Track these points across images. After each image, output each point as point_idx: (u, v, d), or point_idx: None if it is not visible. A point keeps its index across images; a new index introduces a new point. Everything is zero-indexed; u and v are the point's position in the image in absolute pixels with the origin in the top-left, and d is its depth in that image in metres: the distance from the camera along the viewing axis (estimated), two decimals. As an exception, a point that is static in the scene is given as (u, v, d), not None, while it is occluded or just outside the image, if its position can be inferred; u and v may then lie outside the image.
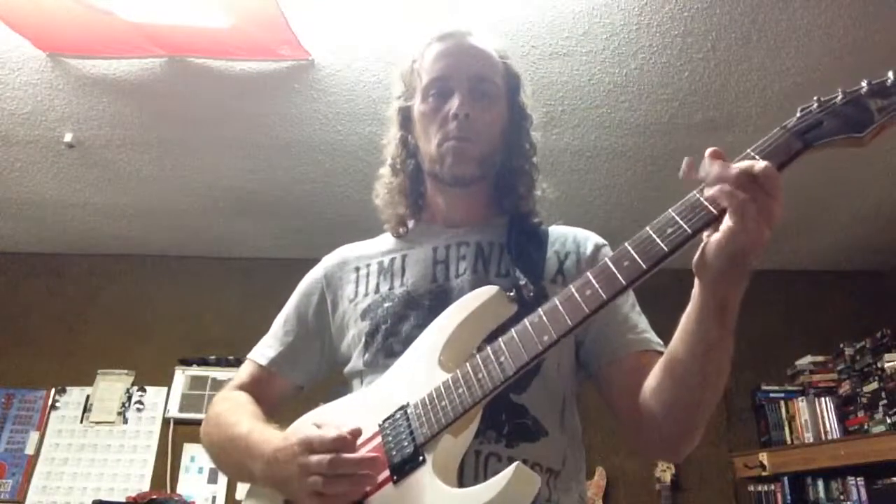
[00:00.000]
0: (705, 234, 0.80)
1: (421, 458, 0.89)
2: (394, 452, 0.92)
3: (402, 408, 0.95)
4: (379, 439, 0.94)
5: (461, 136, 1.11)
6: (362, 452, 0.92)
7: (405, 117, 1.22)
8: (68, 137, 3.02)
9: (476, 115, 1.12)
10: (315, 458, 0.88)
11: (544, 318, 0.87)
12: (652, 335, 1.10)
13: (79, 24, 2.44)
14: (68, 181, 3.40)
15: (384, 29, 2.46)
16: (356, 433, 0.91)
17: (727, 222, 0.77)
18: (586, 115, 2.89)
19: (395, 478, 0.90)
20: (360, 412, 0.99)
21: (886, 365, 3.33)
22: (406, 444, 0.91)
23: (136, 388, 3.80)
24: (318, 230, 3.73)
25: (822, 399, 3.55)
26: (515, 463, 0.84)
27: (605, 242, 1.18)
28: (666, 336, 1.11)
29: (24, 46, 2.57)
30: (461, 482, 0.91)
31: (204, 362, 3.81)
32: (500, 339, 0.91)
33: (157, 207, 3.63)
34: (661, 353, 1.03)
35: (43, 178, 3.37)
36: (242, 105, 2.86)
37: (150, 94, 2.81)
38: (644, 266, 0.81)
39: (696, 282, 0.84)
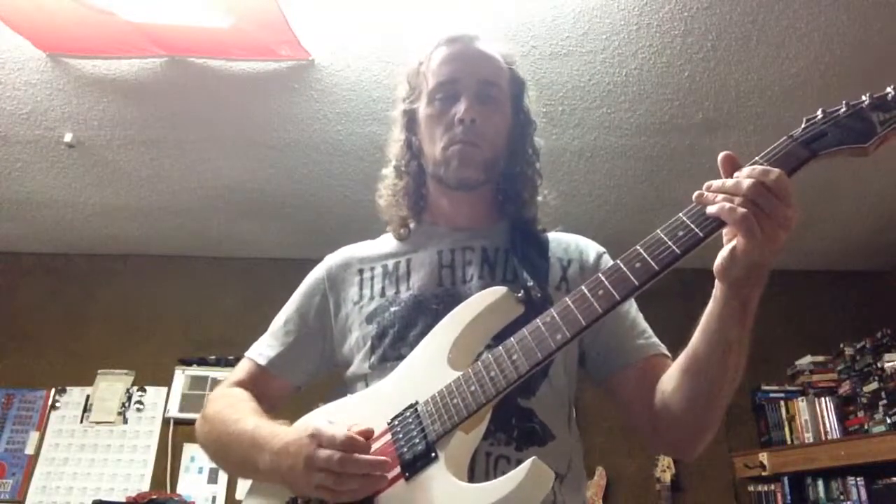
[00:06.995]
0: (725, 237, 0.83)
1: (433, 454, 0.90)
2: (405, 450, 0.92)
3: (411, 406, 0.95)
4: (388, 437, 0.94)
5: (467, 140, 1.12)
6: (373, 449, 0.92)
7: (410, 119, 1.22)
8: (68, 137, 3.02)
9: (482, 120, 1.13)
10: (325, 453, 0.88)
11: (557, 317, 0.88)
12: (657, 340, 1.12)
13: (79, 24, 2.44)
14: (68, 181, 3.40)
15: (384, 29, 2.46)
16: (368, 434, 0.92)
17: (740, 239, 0.79)
18: (586, 115, 2.89)
19: (406, 475, 0.90)
20: (369, 410, 0.99)
21: (886, 365, 3.34)
22: (418, 441, 0.91)
23: (136, 388, 3.79)
24: (318, 230, 3.73)
25: (822, 399, 3.56)
26: (532, 458, 0.84)
27: (605, 250, 1.20)
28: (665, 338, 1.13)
29: (24, 46, 2.57)
30: (471, 481, 0.91)
31: (204, 362, 3.81)
32: (512, 338, 0.91)
33: (157, 207, 3.62)
34: (667, 357, 1.07)
35: (43, 178, 3.37)
36: (242, 105, 2.86)
37: (150, 94, 2.80)
38: (656, 267, 0.83)
39: (718, 284, 0.86)
